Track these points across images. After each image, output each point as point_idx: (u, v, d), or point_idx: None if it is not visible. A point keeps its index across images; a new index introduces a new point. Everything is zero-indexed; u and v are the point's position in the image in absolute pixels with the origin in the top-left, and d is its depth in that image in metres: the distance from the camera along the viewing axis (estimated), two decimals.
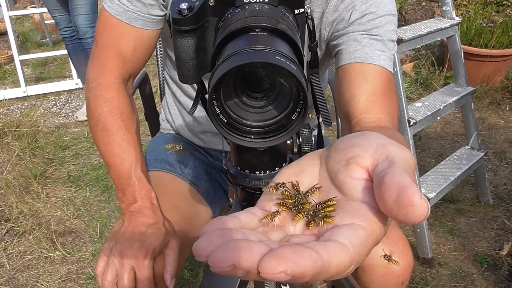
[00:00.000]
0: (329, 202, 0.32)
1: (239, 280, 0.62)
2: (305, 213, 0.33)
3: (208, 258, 0.26)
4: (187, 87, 0.98)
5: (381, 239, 0.30)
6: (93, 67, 0.85)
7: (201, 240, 0.27)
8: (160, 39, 1.06)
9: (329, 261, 0.26)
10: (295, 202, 0.34)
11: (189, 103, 1.00)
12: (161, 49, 1.18)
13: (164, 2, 0.80)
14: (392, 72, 0.76)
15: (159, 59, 1.22)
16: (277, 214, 0.34)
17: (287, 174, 0.37)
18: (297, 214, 0.33)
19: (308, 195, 0.35)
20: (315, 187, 0.35)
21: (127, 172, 0.79)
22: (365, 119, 0.68)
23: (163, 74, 1.26)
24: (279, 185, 0.36)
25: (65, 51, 3.17)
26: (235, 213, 0.33)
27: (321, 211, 0.32)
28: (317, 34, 0.81)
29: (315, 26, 0.80)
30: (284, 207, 0.34)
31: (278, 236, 0.32)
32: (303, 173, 0.37)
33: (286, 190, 0.35)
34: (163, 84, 1.26)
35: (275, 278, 0.24)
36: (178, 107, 1.05)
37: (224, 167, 0.61)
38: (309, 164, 0.37)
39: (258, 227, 0.33)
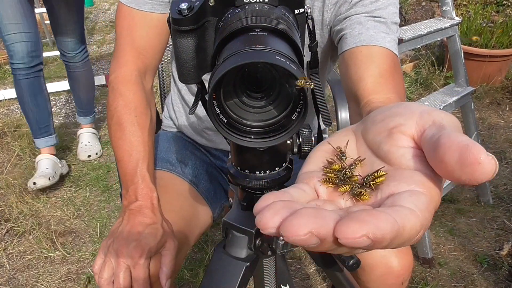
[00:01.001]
0: (378, 173, 0.31)
1: (239, 280, 0.62)
2: (354, 185, 0.32)
3: (281, 228, 0.24)
4: (189, 87, 0.98)
5: (438, 206, 0.29)
6: (113, 59, 0.88)
7: (265, 211, 0.26)
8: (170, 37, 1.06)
9: (403, 224, 0.25)
10: (341, 175, 0.32)
11: (190, 104, 1.00)
12: (169, 47, 1.18)
13: None
14: (397, 54, 0.75)
15: None
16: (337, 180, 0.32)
17: (323, 151, 0.36)
18: (361, 193, 0.31)
19: (353, 168, 0.33)
20: (359, 159, 0.33)
21: (132, 169, 0.79)
22: (374, 100, 0.67)
23: (162, 73, 1.26)
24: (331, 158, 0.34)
25: None
26: (284, 189, 0.31)
27: (371, 182, 0.31)
28: (320, 18, 0.81)
29: (318, 10, 0.81)
30: (331, 183, 0.33)
31: (332, 209, 0.30)
32: (342, 147, 0.35)
33: (330, 163, 0.33)
34: (168, 82, 1.26)
35: (355, 243, 0.23)
36: (182, 105, 1.05)
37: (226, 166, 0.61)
38: (343, 140, 0.35)
39: (309, 201, 0.31)
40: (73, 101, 3.11)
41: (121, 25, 0.86)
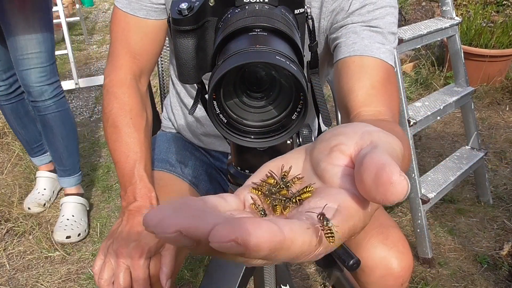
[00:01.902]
0: (306, 189, 0.32)
1: (239, 280, 0.62)
2: (282, 200, 0.32)
3: (155, 224, 0.23)
4: (192, 88, 0.98)
5: (361, 227, 0.28)
6: (107, 63, 0.88)
7: (153, 211, 0.25)
8: (167, 38, 1.07)
9: (292, 238, 0.24)
10: (271, 189, 0.33)
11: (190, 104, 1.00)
12: (168, 48, 1.18)
13: None
14: (393, 65, 0.75)
15: (159, 59, 1.22)
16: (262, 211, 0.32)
17: (270, 168, 0.36)
18: (275, 206, 0.32)
19: (289, 185, 0.34)
20: (296, 177, 0.34)
21: (130, 170, 0.79)
22: (364, 112, 0.67)
23: (162, 73, 1.26)
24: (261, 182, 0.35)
25: (65, 51, 3.16)
26: (201, 197, 0.31)
27: (297, 198, 0.31)
28: (316, 26, 0.81)
29: (315, 17, 0.80)
30: (259, 193, 0.33)
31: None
32: (287, 165, 0.36)
33: (266, 180, 0.35)
34: (167, 82, 1.26)
35: (224, 247, 0.22)
36: (181, 107, 1.05)
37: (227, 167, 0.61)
38: (293, 157, 0.36)
39: (227, 211, 0.31)
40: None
41: (116, 30, 0.86)
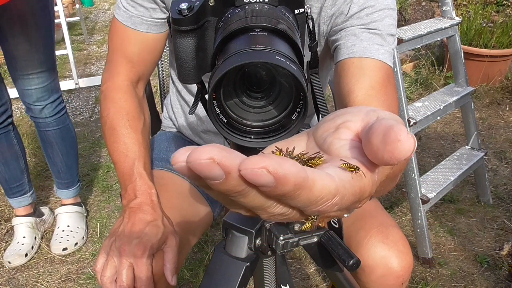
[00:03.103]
0: (317, 157, 0.31)
1: (239, 280, 0.62)
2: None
3: (188, 155, 0.23)
4: (189, 87, 0.98)
5: (369, 192, 0.29)
6: (105, 70, 0.89)
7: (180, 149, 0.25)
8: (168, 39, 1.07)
9: (313, 178, 0.24)
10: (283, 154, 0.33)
11: (190, 104, 1.01)
12: (168, 48, 1.18)
13: (165, 4, 0.82)
14: (392, 66, 0.75)
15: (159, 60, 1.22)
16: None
17: (270, 149, 0.36)
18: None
19: (295, 158, 0.34)
20: (302, 153, 0.34)
21: (129, 169, 0.80)
22: None
23: (162, 74, 1.26)
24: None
25: (65, 51, 3.16)
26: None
27: (307, 162, 0.31)
28: (316, 30, 0.81)
29: (314, 21, 0.80)
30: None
31: None
32: (289, 145, 0.36)
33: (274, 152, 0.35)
34: (167, 82, 1.26)
35: (255, 174, 0.22)
36: (182, 105, 1.05)
37: None
38: (295, 139, 0.37)
39: None
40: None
41: (114, 41, 0.87)
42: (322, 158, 0.31)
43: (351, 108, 0.34)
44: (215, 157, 0.23)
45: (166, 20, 0.84)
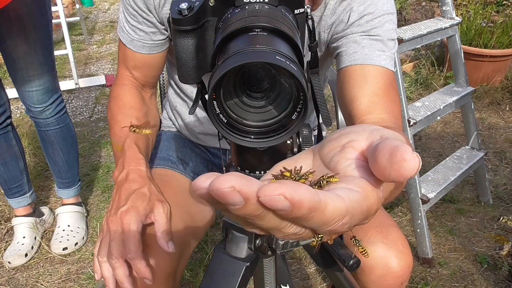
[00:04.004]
0: (331, 178, 0.33)
1: (239, 280, 0.62)
2: (309, 182, 0.33)
3: (210, 183, 0.25)
4: (189, 87, 0.98)
5: (375, 209, 0.31)
6: (114, 83, 0.95)
7: (200, 176, 0.27)
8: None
9: (325, 201, 0.26)
10: (292, 178, 0.35)
11: (191, 103, 1.01)
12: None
13: (164, 26, 0.84)
14: (394, 71, 0.76)
15: None
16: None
17: (278, 167, 0.37)
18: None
19: (304, 177, 0.35)
20: (309, 171, 0.36)
21: (121, 148, 0.82)
22: (367, 120, 0.68)
23: (162, 74, 1.26)
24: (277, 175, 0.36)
25: (65, 51, 3.16)
26: None
27: (321, 181, 0.33)
28: (316, 38, 0.81)
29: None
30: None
31: None
32: (297, 164, 0.37)
33: (283, 172, 0.36)
34: (167, 83, 1.26)
35: (273, 200, 0.24)
36: (180, 107, 1.05)
37: (224, 167, 0.61)
38: (301, 157, 0.38)
39: None
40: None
41: (120, 56, 0.91)
42: (336, 178, 0.33)
43: (355, 126, 0.36)
44: (236, 185, 0.24)
45: (166, 39, 0.86)
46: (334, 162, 0.34)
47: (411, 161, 0.27)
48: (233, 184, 0.24)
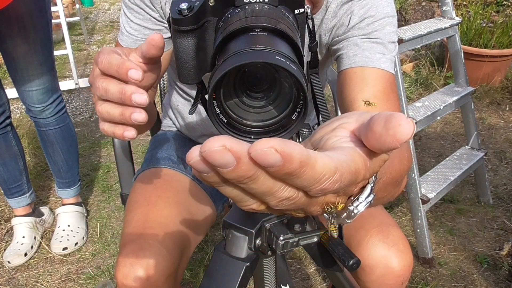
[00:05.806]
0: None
1: (239, 280, 0.62)
2: None
3: (201, 146, 0.25)
4: (188, 88, 0.98)
5: (362, 175, 0.31)
6: None
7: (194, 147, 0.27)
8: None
9: (315, 157, 0.27)
10: None
11: (190, 104, 1.01)
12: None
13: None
14: (394, 73, 0.76)
15: None
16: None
17: None
18: None
19: None
20: None
21: None
22: None
23: (162, 75, 1.26)
24: None
25: (65, 51, 3.16)
26: None
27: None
28: (316, 37, 0.81)
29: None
30: None
31: None
32: None
33: None
34: (167, 83, 1.26)
35: (264, 154, 0.25)
36: (183, 106, 1.05)
37: None
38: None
39: None
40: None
41: None
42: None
43: (345, 113, 0.36)
44: (227, 144, 0.25)
45: (169, 38, 0.83)
46: (324, 141, 0.34)
47: (406, 125, 0.28)
48: (224, 143, 0.25)
